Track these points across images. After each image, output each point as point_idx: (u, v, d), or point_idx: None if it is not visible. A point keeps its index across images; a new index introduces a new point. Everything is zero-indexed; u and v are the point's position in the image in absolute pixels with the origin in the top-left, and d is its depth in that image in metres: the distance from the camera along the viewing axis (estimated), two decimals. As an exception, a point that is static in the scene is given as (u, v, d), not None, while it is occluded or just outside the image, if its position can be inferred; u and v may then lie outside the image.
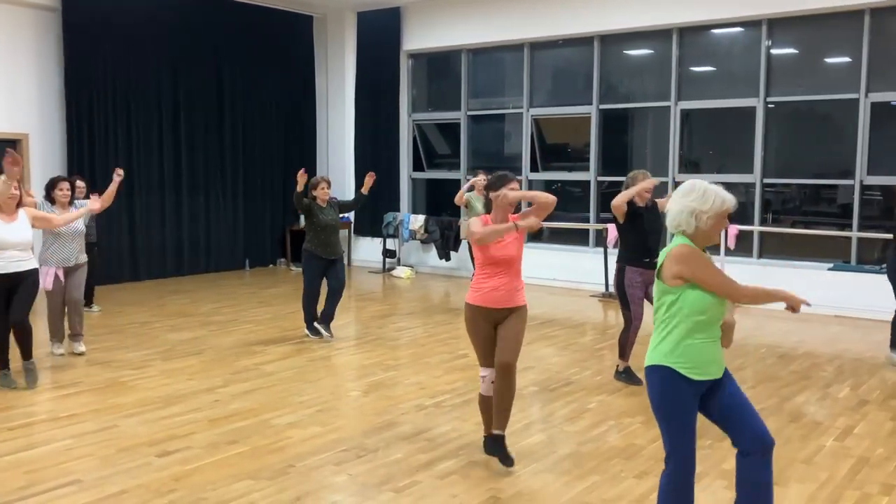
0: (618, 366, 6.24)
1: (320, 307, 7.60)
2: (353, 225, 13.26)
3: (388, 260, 12.69)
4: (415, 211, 12.95)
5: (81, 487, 4.10)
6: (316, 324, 7.57)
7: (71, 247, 6.78)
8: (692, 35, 10.33)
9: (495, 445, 4.41)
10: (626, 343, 6.11)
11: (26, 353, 5.92)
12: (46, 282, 6.61)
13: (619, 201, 5.84)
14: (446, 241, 12.01)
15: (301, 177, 7.35)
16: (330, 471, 4.41)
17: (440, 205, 12.77)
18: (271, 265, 13.24)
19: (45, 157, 10.64)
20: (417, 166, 13.08)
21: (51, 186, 6.84)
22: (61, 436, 4.87)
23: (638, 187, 5.88)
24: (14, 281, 5.79)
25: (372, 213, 12.70)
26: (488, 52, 12.21)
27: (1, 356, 5.90)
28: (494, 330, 4.42)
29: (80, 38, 10.54)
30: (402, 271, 12.20)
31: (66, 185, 6.85)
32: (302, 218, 8.01)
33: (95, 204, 6.86)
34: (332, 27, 13.25)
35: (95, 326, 8.11)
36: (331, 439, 4.90)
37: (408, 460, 4.55)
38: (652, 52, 10.95)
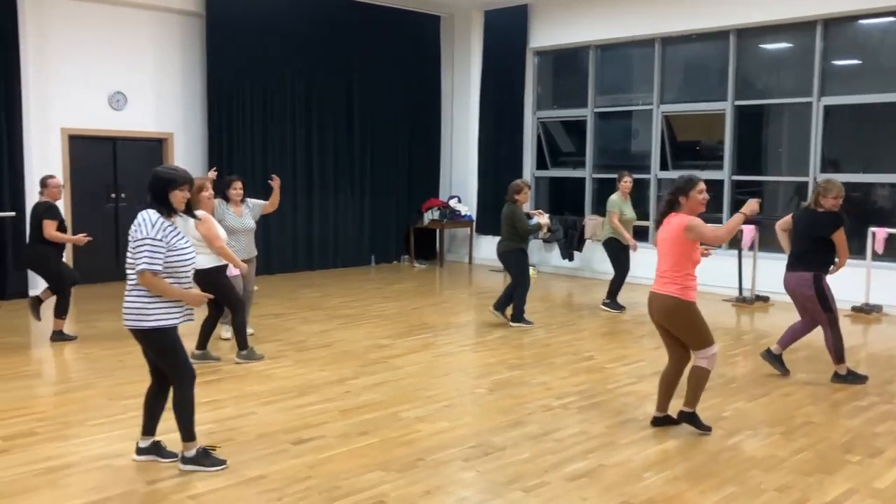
0: (837, 371, 6.15)
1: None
2: (474, 223, 13.33)
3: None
4: (538, 209, 12.83)
5: (223, 471, 4.28)
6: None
7: (244, 242, 7.17)
8: (838, 27, 9.75)
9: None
10: (841, 347, 6.08)
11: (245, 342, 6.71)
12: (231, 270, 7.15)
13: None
14: (570, 240, 11.86)
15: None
16: (458, 466, 4.43)
17: (564, 203, 12.63)
18: (395, 262, 13.49)
19: (187, 156, 11.25)
20: (541, 164, 12.99)
21: (226, 185, 7.23)
22: (205, 420, 5.10)
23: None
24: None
25: (493, 212, 12.69)
26: (617, 48, 11.96)
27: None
28: None
29: (221, 43, 11.09)
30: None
31: (239, 183, 7.23)
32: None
33: (269, 208, 7.59)
34: (458, 26, 13.36)
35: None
36: (459, 435, 4.92)
37: (536, 460, 4.51)
38: (791, 45, 10.41)
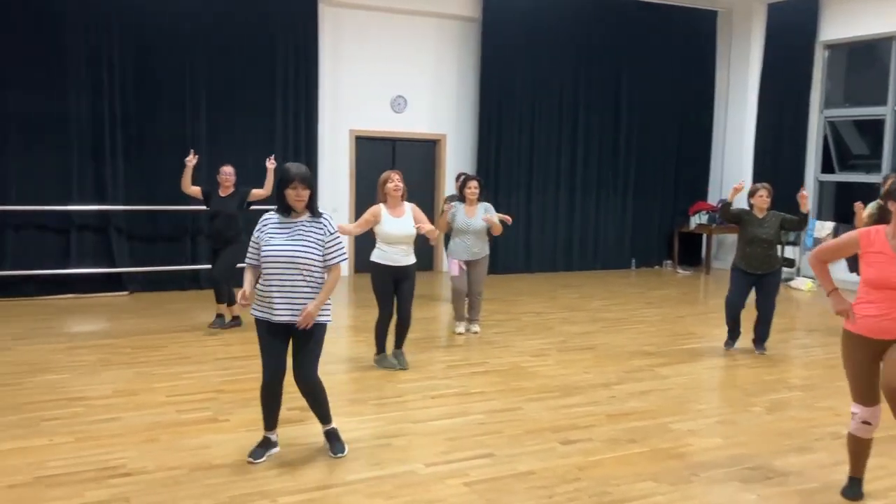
0: None
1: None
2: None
3: (785, 270, 11.71)
4: (820, 217, 11.78)
5: (495, 461, 4.39)
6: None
7: (469, 242, 7.31)
8: None
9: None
10: None
11: (399, 342, 6.36)
12: (452, 268, 7.37)
13: None
14: (859, 252, 10.69)
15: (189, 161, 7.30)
16: (736, 487, 4.15)
17: (853, 211, 11.40)
18: (657, 266, 13.07)
19: (457, 156, 11.76)
20: (827, 168, 11.87)
21: (462, 185, 7.48)
22: (475, 410, 5.28)
23: None
24: (399, 274, 6.12)
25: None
26: (927, 39, 10.61)
27: (380, 342, 6.37)
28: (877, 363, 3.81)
29: (495, 46, 11.43)
30: (801, 283, 11.20)
31: (475, 183, 7.40)
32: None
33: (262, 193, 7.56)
34: (737, 21, 12.63)
35: (497, 312, 8.74)
36: (734, 454, 4.62)
37: (827, 493, 4.09)
38: None
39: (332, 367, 6.43)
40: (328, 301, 4.22)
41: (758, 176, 12.28)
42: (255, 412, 5.03)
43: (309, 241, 4.10)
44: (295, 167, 4.15)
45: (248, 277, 4.21)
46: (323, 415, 4.43)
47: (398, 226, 6.06)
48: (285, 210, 4.15)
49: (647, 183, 12.79)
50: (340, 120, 10.99)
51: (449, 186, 11.03)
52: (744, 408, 5.57)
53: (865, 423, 3.89)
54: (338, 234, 4.22)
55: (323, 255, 4.14)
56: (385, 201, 6.12)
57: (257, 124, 10.14)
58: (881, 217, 4.07)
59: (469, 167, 11.70)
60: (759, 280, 6.99)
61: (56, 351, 6.68)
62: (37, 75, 8.97)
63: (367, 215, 6.15)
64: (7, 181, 8.97)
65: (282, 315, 4.11)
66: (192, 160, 7.62)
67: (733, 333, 7.25)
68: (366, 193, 11.29)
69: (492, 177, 11.65)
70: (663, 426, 5.08)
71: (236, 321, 7.66)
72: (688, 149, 12.97)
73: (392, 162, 11.52)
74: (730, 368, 6.70)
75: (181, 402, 5.33)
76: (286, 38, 10.22)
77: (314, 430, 4.60)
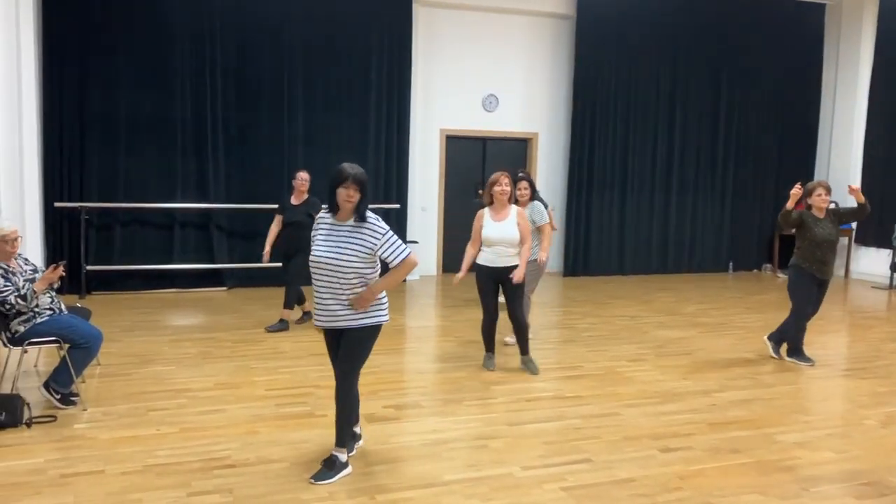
0: None
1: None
2: (854, 233, 11.93)
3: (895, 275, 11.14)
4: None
5: (593, 467, 4.29)
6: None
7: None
8: None
9: None
10: None
11: (523, 349, 6.31)
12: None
13: None
14: (980, 258, 10.05)
15: None
16: (850, 503, 3.95)
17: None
18: (755, 270, 12.62)
19: (550, 155, 11.63)
20: (943, 168, 11.20)
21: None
22: (571, 414, 5.19)
23: None
24: (500, 275, 6.05)
25: (878, 221, 11.24)
26: None
27: (489, 342, 6.35)
28: None
29: (589, 44, 11.26)
30: (915, 289, 10.59)
31: (525, 184, 6.99)
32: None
33: None
34: (847, 14, 12.05)
35: (589, 315, 8.61)
36: (847, 469, 4.39)
37: (951, 513, 3.84)
38: None
39: (426, 366, 6.47)
40: (384, 300, 4.10)
41: (867, 178, 11.71)
42: (352, 409, 5.08)
43: (350, 249, 3.94)
44: (350, 167, 3.98)
45: None
46: (338, 430, 4.13)
47: (498, 230, 6.02)
48: (334, 209, 4.05)
49: (746, 184, 12.36)
50: (432, 119, 11.03)
51: (541, 185, 10.90)
52: (856, 420, 5.29)
53: None
54: (389, 232, 4.01)
55: (378, 259, 4.03)
56: (491, 203, 6.13)
57: (351, 124, 10.28)
58: None
59: (561, 166, 11.57)
60: (821, 284, 6.63)
61: (161, 343, 6.94)
62: (144, 78, 9.35)
63: (475, 225, 6.18)
64: (115, 180, 9.38)
65: (321, 321, 4.06)
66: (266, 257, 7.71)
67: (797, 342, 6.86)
68: (456, 193, 11.33)
69: (584, 176, 11.48)
70: (768, 437, 4.87)
71: (308, 316, 7.83)
72: (791, 149, 12.46)
73: (483, 161, 11.50)
74: (837, 378, 6.38)
75: (280, 395, 5.44)
76: (380, 38, 10.33)
77: (410, 429, 4.62)
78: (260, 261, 7.86)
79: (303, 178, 7.67)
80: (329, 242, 3.99)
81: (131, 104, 9.33)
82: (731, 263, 12.44)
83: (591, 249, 11.59)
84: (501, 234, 6.00)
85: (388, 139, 10.52)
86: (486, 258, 6.09)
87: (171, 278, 9.67)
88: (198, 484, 3.94)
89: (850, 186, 6.61)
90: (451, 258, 11.32)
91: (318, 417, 5.00)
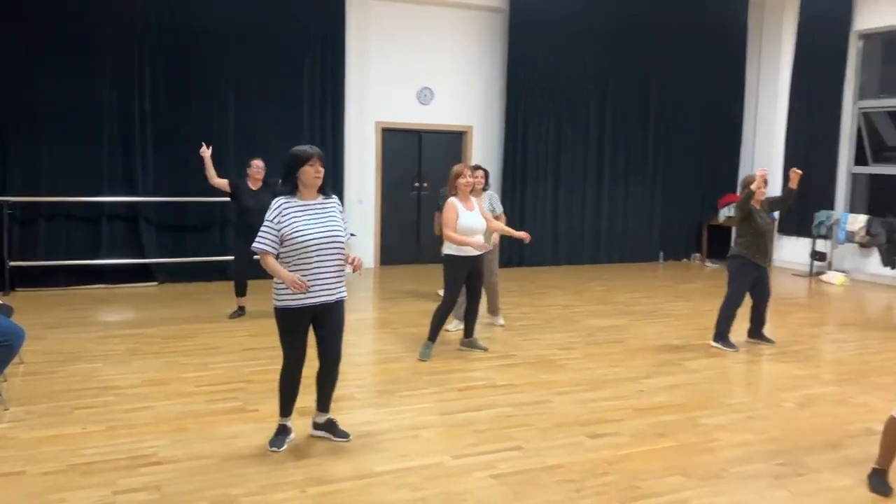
0: None
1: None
2: (776, 223, 12.35)
3: (816, 263, 11.58)
4: (853, 210, 11.59)
5: (523, 454, 4.37)
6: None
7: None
8: None
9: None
10: None
11: (470, 332, 6.63)
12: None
13: None
14: (894, 246, 10.53)
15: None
16: (767, 483, 4.10)
17: (886, 204, 11.24)
18: (685, 259, 12.96)
19: (485, 148, 11.72)
20: (860, 160, 11.67)
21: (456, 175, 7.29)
22: (502, 403, 5.27)
23: None
24: (474, 265, 6.28)
25: (800, 211, 11.66)
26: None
27: (437, 330, 6.41)
28: None
29: (521, 37, 11.36)
30: (833, 277, 11.04)
31: (480, 172, 7.15)
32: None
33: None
34: (769, 11, 12.45)
35: (523, 305, 8.72)
36: (766, 450, 4.56)
37: (860, 489, 4.03)
38: None
39: (362, 358, 6.47)
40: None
41: (788, 169, 12.10)
42: (284, 403, 5.05)
43: (337, 221, 4.22)
44: (309, 146, 4.20)
45: (278, 267, 4.12)
46: (329, 399, 4.50)
47: (474, 218, 6.23)
48: (293, 191, 4.15)
49: (675, 175, 12.67)
50: (367, 112, 10.99)
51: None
52: (775, 403, 5.50)
53: None
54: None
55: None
56: (455, 195, 6.25)
57: (284, 116, 10.17)
58: None
59: (495, 158, 11.66)
60: (762, 271, 6.88)
61: (88, 340, 6.77)
62: (68, 68, 9.06)
63: (451, 213, 6.20)
64: (39, 172, 9.08)
65: (317, 297, 4.16)
66: (205, 151, 7.63)
67: (759, 325, 7.15)
68: (393, 185, 11.32)
69: (518, 168, 11.61)
70: (692, 420, 5.03)
71: (243, 311, 7.82)
72: (717, 141, 12.83)
73: (419, 154, 11.51)
74: (759, 363, 6.62)
75: (211, 391, 5.37)
76: (313, 29, 10.23)
77: (343, 421, 4.62)
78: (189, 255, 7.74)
79: (258, 165, 7.70)
80: (318, 221, 4.13)
81: (56, 95, 9.02)
82: (661, 253, 12.75)
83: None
84: (480, 223, 6.25)
85: (323, 132, 10.44)
86: (464, 249, 6.18)
87: (98, 274, 9.41)
88: (124, 482, 3.87)
89: (793, 170, 6.81)
90: (388, 251, 11.33)
91: (249, 412, 4.96)
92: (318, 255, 4.12)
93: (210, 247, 9.97)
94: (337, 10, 10.37)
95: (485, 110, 11.70)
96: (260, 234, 4.13)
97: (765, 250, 6.79)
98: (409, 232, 11.50)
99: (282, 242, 4.12)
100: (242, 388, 5.45)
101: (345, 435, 4.49)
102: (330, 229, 4.15)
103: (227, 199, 8.15)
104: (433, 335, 6.43)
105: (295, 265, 4.13)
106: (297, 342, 4.27)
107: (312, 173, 4.11)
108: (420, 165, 11.54)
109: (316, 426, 4.56)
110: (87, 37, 9.12)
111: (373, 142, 11.13)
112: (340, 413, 4.78)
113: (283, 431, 4.41)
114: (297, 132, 10.19)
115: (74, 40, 9.06)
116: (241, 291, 7.79)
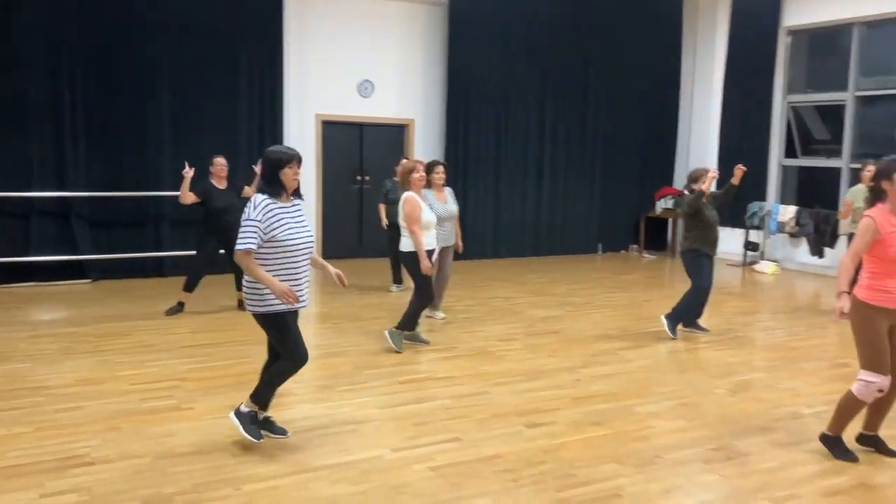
0: None
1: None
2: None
3: (749, 253, 11.91)
4: (784, 201, 11.95)
5: (461, 446, 4.41)
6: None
7: (448, 227, 7.25)
8: None
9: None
10: None
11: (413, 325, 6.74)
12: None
13: None
14: (821, 236, 10.90)
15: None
16: (699, 468, 4.22)
17: (814, 195, 11.62)
18: (623, 251, 13.19)
19: (426, 142, 11.72)
20: (790, 153, 12.04)
21: (429, 170, 7.37)
22: (442, 395, 5.30)
23: None
24: (439, 259, 6.79)
25: (734, 203, 11.95)
26: (885, 25, 10.75)
27: (414, 322, 6.59)
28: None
29: (462, 31, 11.39)
30: (765, 266, 11.37)
31: (441, 168, 7.19)
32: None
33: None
34: (703, 6, 12.72)
35: (465, 297, 8.77)
36: (698, 435, 4.69)
37: (786, 470, 4.18)
38: None
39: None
40: None
41: (722, 161, 12.43)
42: (220, 400, 5.03)
43: (308, 223, 4.25)
44: (288, 147, 4.21)
45: (265, 274, 3.97)
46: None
47: (443, 208, 6.78)
48: (278, 192, 4.10)
49: (614, 168, 12.87)
50: (307, 104, 10.88)
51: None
52: (707, 390, 5.65)
53: (881, 391, 4.15)
54: None
55: None
56: (409, 190, 6.41)
57: (221, 108, 9.98)
58: (874, 199, 4.20)
59: (437, 152, 11.66)
60: (711, 260, 7.12)
61: (17, 340, 6.56)
62: (-7, 58, 8.76)
63: (414, 211, 6.27)
64: (-36, 167, 8.77)
65: (303, 302, 4.16)
66: (189, 172, 7.40)
67: (696, 316, 7.34)
68: (333, 179, 11.24)
69: (460, 162, 11.64)
70: (627, 409, 5.14)
71: (182, 307, 7.70)
72: (654, 134, 13.07)
73: (360, 147, 11.45)
74: (693, 351, 6.79)
75: (145, 390, 5.27)
76: (250, 20, 10.05)
77: (281, 417, 4.59)
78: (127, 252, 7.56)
79: (221, 163, 7.61)
80: (298, 223, 4.13)
81: (-22, 86, 8.72)
82: (600, 245, 12.95)
83: (468, 233, 11.73)
84: (450, 210, 6.84)
85: (261, 124, 10.29)
86: (442, 238, 6.69)
87: (28, 271, 9.12)
88: (52, 484, 3.78)
89: (738, 167, 7.11)
90: (329, 244, 11.24)
91: (184, 411, 4.88)
92: (304, 259, 4.14)
93: (145, 243, 9.76)
94: (274, 4, 10.23)
95: (426, 103, 11.70)
96: (244, 232, 3.97)
97: (714, 241, 7.07)
98: (351, 225, 11.44)
99: (265, 243, 4.01)
100: (177, 387, 5.36)
101: (283, 432, 4.46)
102: (309, 232, 4.19)
103: (159, 193, 7.95)
104: (409, 326, 6.49)
105: (279, 269, 4.03)
106: (299, 338, 4.26)
107: (291, 175, 4.11)
108: (361, 159, 11.48)
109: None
110: (10, 25, 8.82)
111: (313, 134, 11.03)
112: (279, 410, 4.74)
113: (259, 421, 4.38)
114: (234, 124, 10.05)
115: (-1, 30, 8.76)
116: (191, 288, 7.64)
